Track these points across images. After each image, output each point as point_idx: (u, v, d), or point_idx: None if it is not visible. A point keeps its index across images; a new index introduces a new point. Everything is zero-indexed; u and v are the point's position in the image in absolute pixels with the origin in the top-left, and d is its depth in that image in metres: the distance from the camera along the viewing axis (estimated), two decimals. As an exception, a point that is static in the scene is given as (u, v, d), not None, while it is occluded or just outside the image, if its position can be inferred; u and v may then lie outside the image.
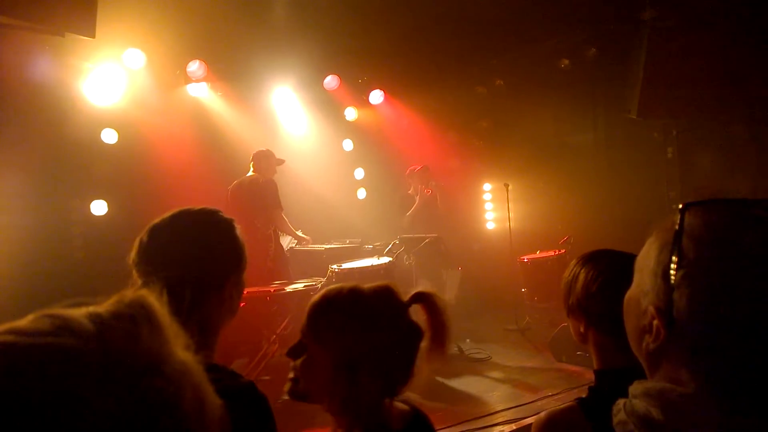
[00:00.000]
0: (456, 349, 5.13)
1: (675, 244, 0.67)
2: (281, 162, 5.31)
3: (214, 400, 0.48)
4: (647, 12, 5.62)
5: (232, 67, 5.96)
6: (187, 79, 5.73)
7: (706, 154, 6.32)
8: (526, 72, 6.95)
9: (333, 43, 5.86)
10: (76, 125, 4.99)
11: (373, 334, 1.15)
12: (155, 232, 1.23)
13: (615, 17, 5.98)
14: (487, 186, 7.76)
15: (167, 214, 1.25)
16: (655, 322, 0.68)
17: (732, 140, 6.07)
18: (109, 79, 5.08)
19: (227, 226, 1.27)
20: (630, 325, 0.76)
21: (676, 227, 0.67)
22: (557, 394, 3.96)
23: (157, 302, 0.47)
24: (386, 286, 1.22)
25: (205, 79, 5.80)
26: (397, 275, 5.24)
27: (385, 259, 5.05)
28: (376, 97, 7.19)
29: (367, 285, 1.23)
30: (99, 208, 5.21)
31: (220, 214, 1.29)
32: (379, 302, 1.19)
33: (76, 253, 5.15)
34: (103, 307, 0.45)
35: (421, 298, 1.23)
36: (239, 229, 1.29)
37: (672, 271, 0.66)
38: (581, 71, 6.65)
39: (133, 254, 1.22)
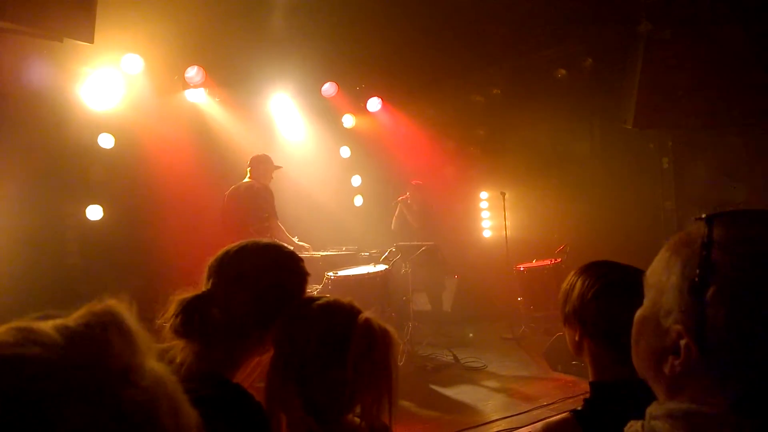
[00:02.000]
0: (451, 357, 5.12)
1: (705, 258, 0.62)
2: (278, 168, 5.28)
3: (189, 411, 0.47)
4: (643, 24, 5.68)
5: (230, 73, 5.97)
6: (185, 85, 5.73)
7: (701, 164, 6.36)
8: (523, 81, 6.99)
9: (331, 50, 5.89)
10: (73, 130, 4.98)
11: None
12: (245, 248, 1.28)
13: (611, 28, 6.03)
14: (483, 194, 7.78)
15: (262, 240, 1.34)
16: (684, 341, 0.64)
17: (727, 150, 6.11)
18: (107, 84, 5.08)
19: (300, 266, 1.33)
20: (644, 345, 0.71)
21: (704, 240, 0.63)
22: (552, 403, 3.95)
23: (127, 312, 0.46)
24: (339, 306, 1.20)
25: (203, 84, 5.80)
26: (393, 283, 5.24)
27: (382, 267, 5.04)
28: (374, 104, 7.22)
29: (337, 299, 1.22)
30: (95, 213, 5.19)
31: (302, 265, 1.34)
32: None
33: (72, 258, 5.13)
34: (72, 318, 0.44)
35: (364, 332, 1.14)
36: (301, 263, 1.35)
37: (703, 287, 0.62)
38: (578, 81, 6.69)
39: (214, 257, 1.28)
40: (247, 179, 5.10)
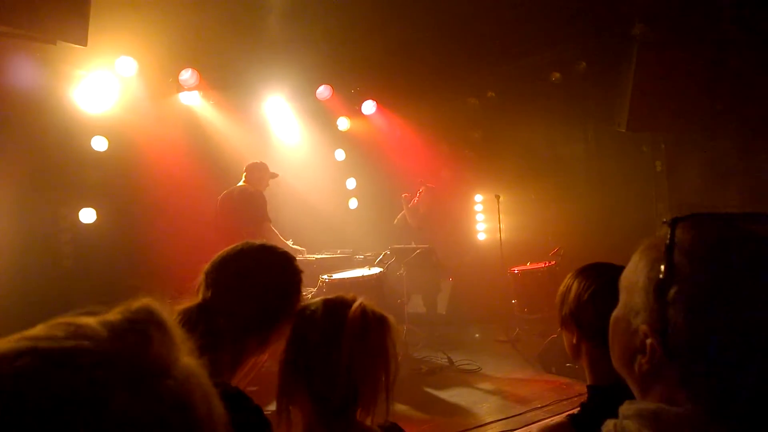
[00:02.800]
0: (446, 360, 5.12)
1: (667, 259, 0.64)
2: (275, 176, 5.25)
3: (219, 404, 0.50)
4: (637, 27, 5.71)
5: (224, 76, 5.96)
6: (180, 88, 5.72)
7: (694, 167, 6.40)
8: (517, 84, 7.02)
9: (326, 53, 5.89)
10: (67, 132, 4.96)
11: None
12: (239, 253, 1.32)
13: (605, 32, 6.07)
14: (478, 197, 7.79)
15: (254, 243, 1.36)
16: (649, 341, 0.66)
17: (719, 153, 6.15)
18: (100, 87, 5.06)
19: (298, 277, 1.36)
20: (618, 345, 0.73)
21: (667, 242, 0.65)
22: (546, 405, 3.95)
23: (163, 309, 0.50)
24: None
25: (197, 87, 5.79)
26: (388, 286, 5.24)
27: (376, 270, 5.04)
28: (369, 107, 7.22)
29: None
30: (88, 216, 5.16)
31: (295, 264, 1.38)
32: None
33: (65, 261, 5.10)
34: (113, 314, 0.47)
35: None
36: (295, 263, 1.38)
37: (666, 288, 0.64)
38: (572, 84, 6.73)
39: (209, 264, 1.30)
40: (241, 183, 5.09)
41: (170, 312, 0.51)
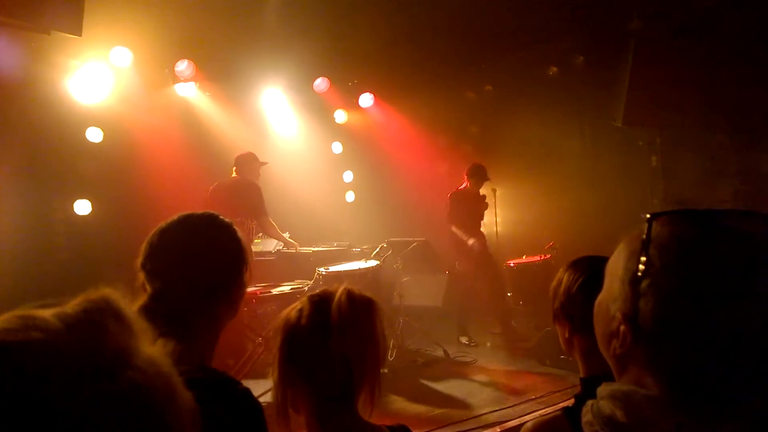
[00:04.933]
0: (442, 352, 5.15)
1: (642, 252, 0.69)
2: (264, 164, 5.18)
3: (184, 393, 0.49)
4: (634, 22, 5.72)
5: (221, 68, 5.93)
6: (175, 79, 5.68)
7: (689, 161, 6.42)
8: (515, 78, 7.01)
9: (323, 45, 5.86)
10: (61, 123, 4.92)
11: None
12: (165, 235, 1.25)
13: (602, 27, 6.07)
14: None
15: (173, 218, 1.28)
16: (622, 327, 0.71)
17: (715, 148, 6.18)
18: (95, 78, 5.03)
19: (231, 229, 1.32)
20: (599, 328, 0.78)
21: (644, 236, 0.70)
22: (541, 397, 3.99)
23: (122, 299, 0.49)
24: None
25: (193, 78, 5.76)
26: (384, 278, 5.25)
27: (373, 263, 5.05)
28: (366, 100, 7.20)
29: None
30: (83, 207, 5.14)
31: (222, 217, 1.33)
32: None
33: (60, 253, 5.08)
34: (70, 305, 0.46)
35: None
36: (240, 232, 1.33)
37: (639, 280, 0.68)
38: (569, 79, 6.73)
39: (141, 258, 1.24)
40: (233, 176, 5.04)
41: (131, 302, 0.50)
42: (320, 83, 6.67)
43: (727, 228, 0.67)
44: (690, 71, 5.63)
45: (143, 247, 1.24)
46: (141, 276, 1.23)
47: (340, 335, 1.12)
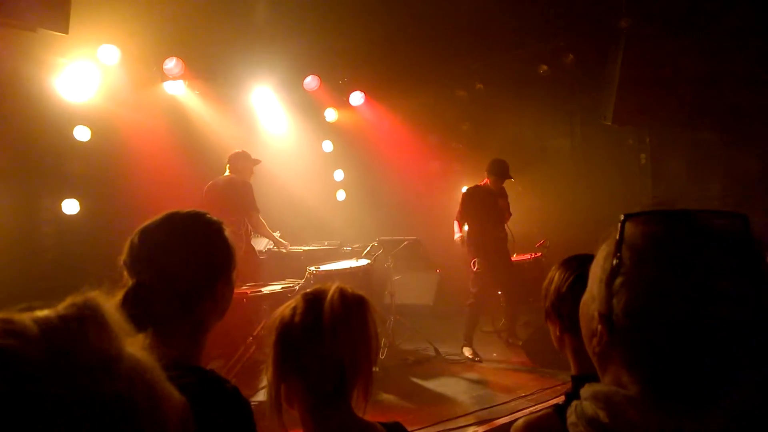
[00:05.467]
0: (433, 350, 5.16)
1: (615, 253, 0.70)
2: (257, 162, 5.23)
3: (172, 396, 0.48)
4: (624, 20, 5.75)
5: (210, 66, 5.89)
6: (164, 77, 5.64)
7: (678, 160, 6.49)
8: (505, 77, 7.03)
9: (313, 43, 5.84)
10: (48, 122, 4.87)
11: None
12: (147, 233, 1.23)
13: (593, 25, 6.10)
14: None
15: (158, 216, 1.26)
16: (599, 326, 0.72)
17: (703, 147, 6.24)
18: (82, 76, 4.97)
19: (217, 227, 1.30)
20: (583, 329, 0.80)
21: (617, 237, 0.71)
22: (531, 394, 4.01)
23: (107, 302, 0.47)
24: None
25: (182, 76, 5.71)
26: (375, 277, 5.25)
27: (364, 261, 5.05)
28: (357, 98, 7.19)
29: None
30: (71, 207, 5.09)
31: (209, 216, 1.32)
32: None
33: (47, 253, 5.03)
34: (52, 310, 0.45)
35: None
36: (227, 230, 1.32)
37: (613, 279, 0.70)
38: (559, 77, 6.76)
39: (124, 255, 1.22)
40: (226, 174, 5.05)
41: (114, 305, 0.48)
42: (310, 81, 6.65)
43: (698, 227, 0.68)
44: (679, 69, 5.69)
45: (126, 245, 1.23)
46: (124, 273, 1.22)
47: (332, 333, 1.13)
